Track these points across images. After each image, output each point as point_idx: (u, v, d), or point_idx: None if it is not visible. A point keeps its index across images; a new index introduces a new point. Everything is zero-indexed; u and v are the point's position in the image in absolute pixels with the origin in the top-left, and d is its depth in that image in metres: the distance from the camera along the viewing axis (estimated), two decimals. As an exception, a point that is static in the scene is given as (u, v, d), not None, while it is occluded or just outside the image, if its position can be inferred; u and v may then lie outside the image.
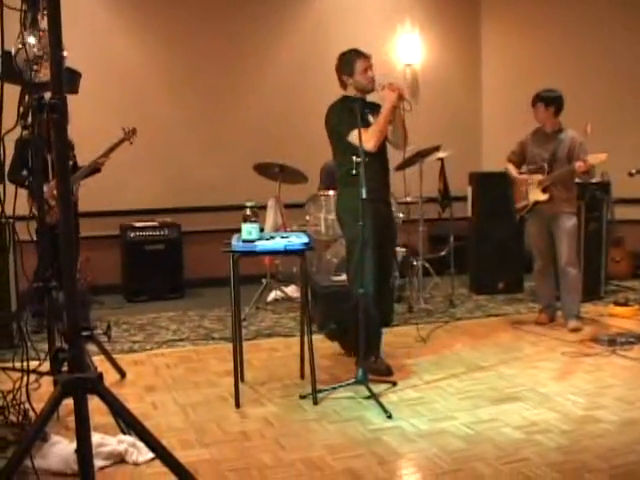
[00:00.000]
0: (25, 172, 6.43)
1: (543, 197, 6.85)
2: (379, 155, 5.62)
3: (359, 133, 5.30)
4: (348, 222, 5.58)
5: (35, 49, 4.01)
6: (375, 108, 5.67)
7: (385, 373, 5.55)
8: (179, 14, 9.22)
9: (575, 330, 6.75)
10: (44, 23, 3.19)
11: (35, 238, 4.49)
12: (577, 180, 6.99)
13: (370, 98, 5.75)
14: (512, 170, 7.11)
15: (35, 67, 4.02)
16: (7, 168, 5.38)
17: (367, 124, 5.56)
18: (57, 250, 3.57)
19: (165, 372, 5.83)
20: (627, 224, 9.01)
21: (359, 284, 5.25)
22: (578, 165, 6.53)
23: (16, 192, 4.03)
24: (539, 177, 6.84)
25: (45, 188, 6.55)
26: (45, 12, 3.12)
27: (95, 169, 6.92)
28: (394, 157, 7.78)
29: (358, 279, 5.30)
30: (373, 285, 5.37)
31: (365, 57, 5.72)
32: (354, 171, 5.14)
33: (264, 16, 9.54)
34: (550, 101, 6.81)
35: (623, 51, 9.44)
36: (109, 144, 6.80)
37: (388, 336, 6.73)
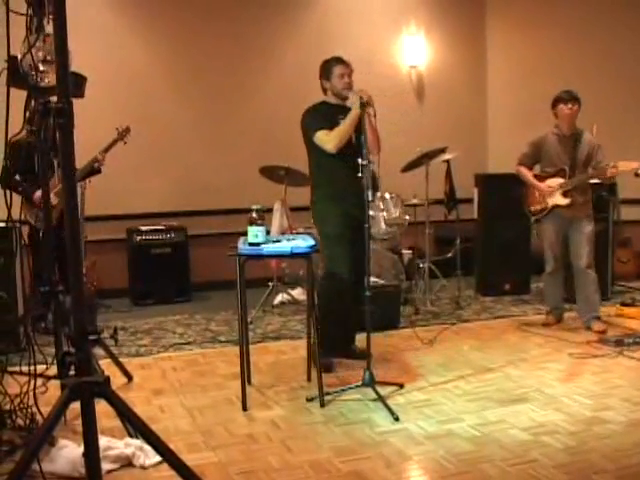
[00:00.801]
0: (18, 177, 6.42)
1: (565, 202, 6.75)
2: (349, 157, 5.68)
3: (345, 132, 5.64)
4: (318, 222, 5.97)
5: (41, 54, 4.02)
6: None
7: (323, 369, 5.44)
8: (184, 16, 9.23)
9: (602, 332, 6.69)
10: (50, 27, 3.20)
11: (28, 242, 4.49)
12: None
13: None
14: (528, 175, 6.99)
15: (41, 71, 4.02)
16: None
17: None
18: (60, 254, 3.58)
19: (172, 375, 5.83)
20: (634, 225, 9.00)
21: (329, 281, 5.77)
22: (611, 172, 6.44)
23: (11, 197, 4.03)
24: (559, 180, 6.76)
25: (39, 193, 6.57)
26: (51, 16, 3.13)
27: (94, 170, 6.91)
28: (401, 159, 7.83)
29: (329, 276, 5.78)
30: (344, 282, 5.48)
31: (344, 64, 5.87)
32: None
33: (269, 18, 9.55)
34: (579, 102, 6.72)
35: (627, 52, 9.43)
36: (104, 144, 6.81)
37: (395, 338, 6.76)
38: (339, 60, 5.87)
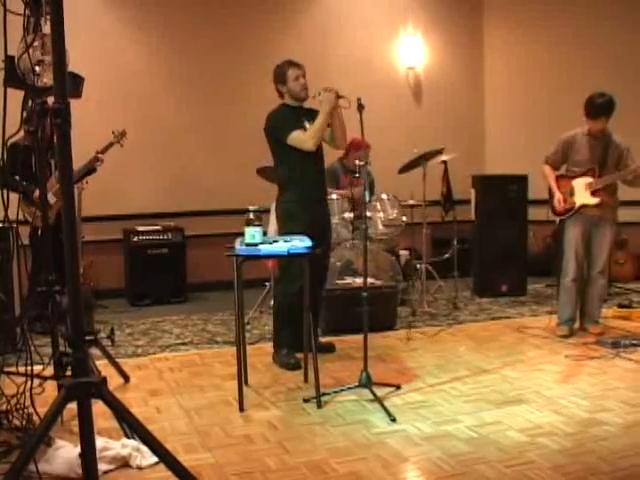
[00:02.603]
0: (17, 177, 6.41)
1: (593, 201, 6.60)
2: (313, 156, 5.88)
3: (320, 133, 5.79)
4: (284, 218, 6.02)
5: (38, 54, 4.01)
6: (312, 114, 5.91)
7: (290, 367, 5.79)
8: (182, 17, 9.22)
9: (600, 334, 6.66)
10: (47, 28, 3.20)
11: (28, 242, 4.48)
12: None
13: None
14: (551, 177, 6.80)
15: (38, 71, 4.02)
16: None
17: (304, 130, 5.87)
18: (57, 254, 3.57)
19: (169, 376, 5.82)
20: (631, 226, 9.00)
21: (285, 281, 5.91)
22: None
23: (8, 197, 4.03)
24: (587, 180, 6.62)
25: (38, 192, 6.56)
26: (48, 17, 3.13)
27: (90, 170, 6.91)
28: (398, 160, 7.83)
29: (285, 277, 5.93)
30: (308, 284, 5.41)
31: (297, 66, 6.00)
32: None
33: (266, 20, 9.54)
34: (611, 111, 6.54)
35: (626, 52, 9.44)
36: (100, 147, 6.82)
37: (392, 339, 6.76)
38: (291, 63, 6.00)
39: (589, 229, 6.74)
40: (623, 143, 6.69)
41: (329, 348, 6.33)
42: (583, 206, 6.66)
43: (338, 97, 5.70)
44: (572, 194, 6.71)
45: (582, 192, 6.65)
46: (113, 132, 6.87)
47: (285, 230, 5.89)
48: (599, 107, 6.48)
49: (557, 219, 6.91)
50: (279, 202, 6.11)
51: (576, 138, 6.74)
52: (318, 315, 6.18)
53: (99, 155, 6.82)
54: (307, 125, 5.88)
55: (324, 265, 6.27)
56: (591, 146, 6.66)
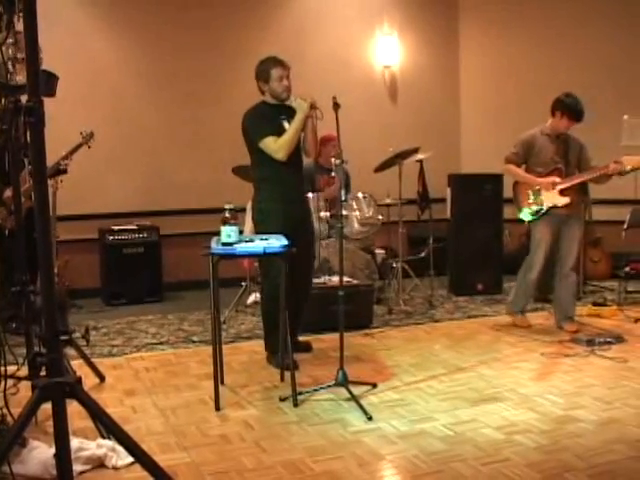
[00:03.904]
0: None
1: (563, 201, 6.64)
2: (292, 158, 5.81)
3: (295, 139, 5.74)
4: (259, 219, 5.96)
5: (11, 51, 3.99)
6: (291, 113, 5.83)
7: (288, 368, 5.45)
8: (156, 14, 9.16)
9: (574, 332, 6.70)
10: (20, 25, 3.17)
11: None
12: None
13: None
14: (521, 172, 6.81)
15: (11, 69, 3.99)
16: None
17: (281, 129, 5.80)
18: (31, 253, 3.55)
19: (145, 376, 5.80)
20: (605, 225, 9.05)
21: (267, 284, 5.90)
22: (613, 168, 6.38)
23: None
24: (554, 179, 6.66)
25: (8, 192, 6.51)
26: (21, 14, 3.11)
27: (58, 171, 6.85)
28: (374, 159, 7.84)
29: (267, 279, 5.92)
30: (284, 284, 5.39)
31: (282, 66, 5.88)
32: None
33: (242, 18, 9.51)
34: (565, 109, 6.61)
35: (597, 52, 9.51)
36: (69, 148, 6.77)
37: (368, 338, 6.77)
38: (277, 62, 5.88)
39: (558, 228, 6.79)
40: (577, 139, 6.79)
41: (306, 347, 6.32)
42: (553, 207, 6.70)
43: (312, 107, 5.64)
44: (539, 194, 6.74)
45: (550, 192, 6.69)
46: (81, 133, 6.82)
47: (260, 230, 5.84)
48: (582, 111, 6.58)
49: (527, 220, 6.93)
50: (254, 202, 6.07)
51: (536, 138, 6.79)
52: (299, 316, 6.10)
53: (61, 162, 6.74)
54: (285, 124, 5.81)
55: (307, 265, 6.20)
56: (552, 146, 6.73)
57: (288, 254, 5.10)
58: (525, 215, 6.87)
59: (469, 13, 10.69)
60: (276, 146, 5.71)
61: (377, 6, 10.27)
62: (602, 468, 3.92)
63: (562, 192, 6.65)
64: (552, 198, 6.68)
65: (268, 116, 5.85)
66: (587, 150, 6.78)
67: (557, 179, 6.67)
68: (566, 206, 6.67)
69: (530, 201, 6.79)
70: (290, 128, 5.72)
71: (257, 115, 5.90)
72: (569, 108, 6.58)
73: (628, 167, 6.38)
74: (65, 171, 6.83)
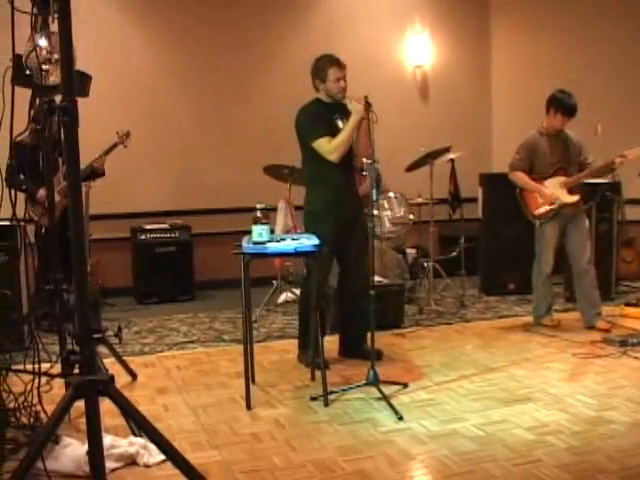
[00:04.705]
0: (22, 176, 6.41)
1: (573, 199, 6.67)
2: (345, 158, 5.74)
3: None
4: (309, 221, 5.93)
5: (45, 52, 4.02)
6: (345, 112, 5.75)
7: (318, 366, 5.43)
8: (189, 14, 9.22)
9: (606, 330, 6.66)
10: (55, 26, 3.20)
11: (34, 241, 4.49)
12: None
13: None
14: (528, 180, 6.79)
15: (45, 69, 4.03)
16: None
17: (335, 129, 5.74)
18: (64, 252, 3.58)
19: (176, 374, 5.83)
20: (638, 224, 8.98)
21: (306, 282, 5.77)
22: (619, 161, 6.39)
23: (16, 196, 4.04)
24: (561, 179, 6.68)
25: (42, 191, 6.56)
26: (56, 15, 3.14)
27: (97, 173, 6.89)
28: (405, 158, 7.82)
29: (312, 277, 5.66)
30: (323, 285, 5.54)
31: (339, 66, 5.78)
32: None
33: (274, 18, 9.55)
34: (559, 106, 6.66)
35: (633, 51, 9.42)
36: (105, 147, 6.82)
37: (398, 338, 6.76)
38: (334, 62, 5.78)
39: (564, 227, 6.81)
40: (574, 136, 6.79)
41: (377, 355, 5.68)
42: (564, 205, 6.70)
43: (368, 110, 5.46)
44: (549, 199, 6.72)
45: (559, 191, 6.69)
46: (117, 133, 6.87)
47: (310, 233, 5.78)
48: (575, 107, 6.60)
49: (537, 222, 6.90)
50: (305, 203, 6.02)
51: (536, 140, 6.81)
52: (363, 318, 5.76)
53: (94, 164, 6.78)
54: (339, 123, 5.76)
55: (362, 265, 5.81)
56: (553, 145, 6.74)
57: (323, 253, 5.10)
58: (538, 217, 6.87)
59: (500, 13, 10.64)
60: (330, 147, 5.65)
61: (408, 5, 10.26)
62: (634, 470, 3.88)
63: (570, 190, 6.67)
64: (563, 197, 6.69)
65: (322, 115, 5.78)
66: (586, 147, 6.78)
67: (563, 178, 6.67)
68: (573, 204, 6.70)
69: (540, 201, 6.78)
70: (344, 130, 5.65)
71: (312, 114, 5.82)
72: (562, 104, 6.62)
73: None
74: (103, 173, 6.88)
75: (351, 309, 5.98)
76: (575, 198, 6.68)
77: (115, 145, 6.86)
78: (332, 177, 5.76)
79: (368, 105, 5.37)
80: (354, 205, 5.99)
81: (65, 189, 6.28)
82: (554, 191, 6.69)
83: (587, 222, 6.91)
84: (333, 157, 5.67)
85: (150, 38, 9.16)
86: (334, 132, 5.70)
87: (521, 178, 6.85)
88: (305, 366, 5.83)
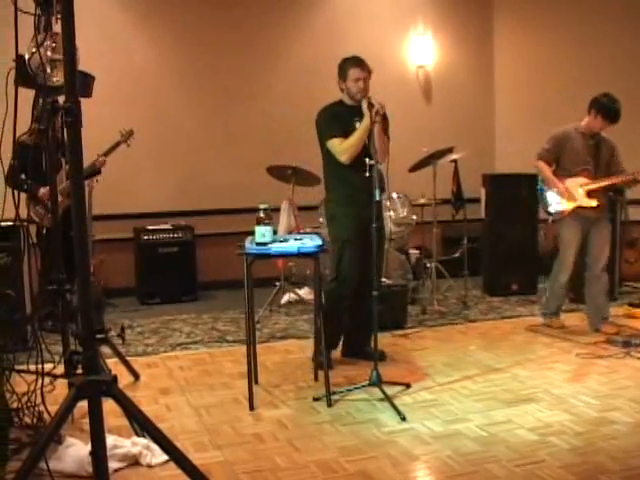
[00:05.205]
0: (24, 176, 6.41)
1: (590, 203, 6.58)
2: (361, 159, 5.64)
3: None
4: (328, 222, 6.04)
5: (49, 53, 4.03)
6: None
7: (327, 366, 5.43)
8: (192, 14, 9.22)
9: (616, 333, 6.60)
10: (58, 27, 3.20)
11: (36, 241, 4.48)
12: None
13: None
14: (548, 172, 6.72)
15: (49, 71, 4.03)
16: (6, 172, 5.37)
17: (353, 131, 5.70)
18: (66, 252, 3.58)
19: (179, 374, 5.84)
20: (641, 225, 8.98)
21: (336, 283, 5.80)
22: None
23: (19, 196, 4.04)
24: (581, 180, 6.61)
25: (44, 190, 6.57)
26: (59, 16, 3.14)
27: (94, 171, 6.89)
28: (408, 159, 7.82)
29: (336, 278, 5.82)
30: (350, 285, 5.58)
31: (361, 67, 5.75)
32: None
33: (277, 17, 9.55)
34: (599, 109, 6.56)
35: (636, 50, 9.41)
36: (107, 146, 6.82)
37: (402, 338, 6.76)
38: (356, 62, 5.75)
39: (587, 230, 6.73)
40: (610, 140, 6.72)
41: (380, 356, 5.70)
42: (579, 207, 6.64)
43: (377, 114, 5.40)
44: (564, 196, 6.68)
45: (575, 192, 6.63)
46: (120, 131, 6.87)
47: (329, 233, 5.93)
48: (618, 113, 6.50)
49: (550, 219, 6.91)
50: (325, 201, 6.11)
51: (570, 135, 6.71)
52: (366, 322, 5.69)
53: (96, 163, 6.79)
54: (357, 125, 5.69)
55: (379, 269, 5.90)
56: (585, 145, 6.66)
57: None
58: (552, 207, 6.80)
59: (504, 12, 10.64)
60: (340, 148, 5.67)
61: (411, 6, 10.26)
62: (637, 471, 3.88)
63: (590, 194, 6.61)
64: (579, 199, 6.63)
65: (341, 116, 5.77)
66: (619, 153, 6.70)
67: (584, 180, 6.62)
68: (594, 208, 6.62)
69: (556, 200, 6.74)
70: (355, 132, 5.63)
71: (330, 114, 5.83)
72: (604, 108, 6.50)
73: None
74: (99, 171, 6.88)
75: (357, 310, 5.98)
76: (592, 202, 6.58)
77: (118, 144, 6.86)
78: (348, 178, 5.73)
79: (371, 106, 5.36)
80: (370, 206, 5.90)
81: (67, 189, 6.30)
82: (570, 190, 6.65)
83: (610, 228, 6.87)
84: (343, 158, 5.67)
85: (152, 38, 9.16)
86: (350, 134, 5.67)
87: (542, 168, 6.78)
88: (316, 366, 5.65)
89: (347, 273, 5.68)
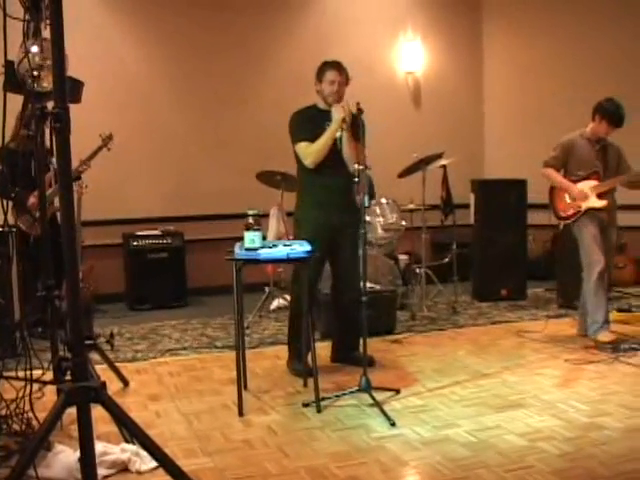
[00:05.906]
0: (9, 184, 6.38)
1: (600, 203, 6.59)
2: (334, 163, 5.70)
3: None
4: (296, 224, 5.98)
5: (37, 58, 4.02)
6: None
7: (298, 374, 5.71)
8: (182, 20, 9.23)
9: (612, 342, 6.48)
10: (47, 32, 3.20)
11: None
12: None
13: None
14: (560, 177, 6.73)
15: (37, 75, 4.02)
16: None
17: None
18: (56, 259, 3.57)
19: (168, 381, 5.82)
20: (630, 230, 8.98)
21: (296, 287, 5.77)
22: None
23: (7, 203, 4.03)
24: (592, 183, 6.62)
25: (33, 199, 6.53)
26: (48, 21, 3.13)
27: (75, 177, 6.84)
28: (398, 164, 7.83)
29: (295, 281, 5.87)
30: (311, 290, 5.57)
31: (338, 71, 5.76)
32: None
33: (265, 23, 9.56)
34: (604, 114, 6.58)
35: (629, 51, 9.43)
36: (89, 152, 6.78)
37: (391, 344, 6.76)
38: (334, 65, 5.77)
39: (599, 230, 6.69)
40: (617, 146, 6.76)
41: (369, 362, 5.60)
42: (590, 209, 6.64)
43: (343, 121, 5.46)
44: (578, 198, 6.68)
45: (590, 194, 6.63)
46: (100, 135, 6.82)
47: (296, 236, 5.88)
48: (622, 117, 6.53)
49: (561, 223, 6.88)
50: (295, 206, 6.05)
51: (576, 141, 6.74)
52: (354, 328, 5.78)
53: (79, 169, 6.74)
54: None
55: (352, 276, 5.87)
56: (592, 150, 6.68)
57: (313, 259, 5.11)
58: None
59: (493, 18, 10.67)
60: (305, 152, 5.69)
61: (401, 11, 10.29)
62: (627, 476, 3.89)
63: (600, 195, 6.63)
64: (589, 201, 6.63)
65: (313, 120, 5.76)
66: (625, 157, 6.76)
67: (595, 182, 6.63)
68: (606, 212, 6.65)
69: (568, 202, 6.73)
70: (321, 137, 5.63)
71: (302, 117, 5.84)
72: (608, 113, 6.54)
73: None
74: (79, 177, 6.79)
75: (343, 315, 5.99)
76: (602, 203, 6.59)
77: (99, 149, 6.80)
78: (317, 183, 5.76)
79: (360, 112, 5.35)
80: (345, 211, 5.80)
81: (53, 195, 6.28)
82: (583, 191, 6.63)
83: (615, 235, 6.92)
84: (307, 162, 5.70)
85: (143, 44, 9.16)
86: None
87: (552, 174, 6.79)
88: (295, 375, 5.80)
89: (309, 277, 5.49)
